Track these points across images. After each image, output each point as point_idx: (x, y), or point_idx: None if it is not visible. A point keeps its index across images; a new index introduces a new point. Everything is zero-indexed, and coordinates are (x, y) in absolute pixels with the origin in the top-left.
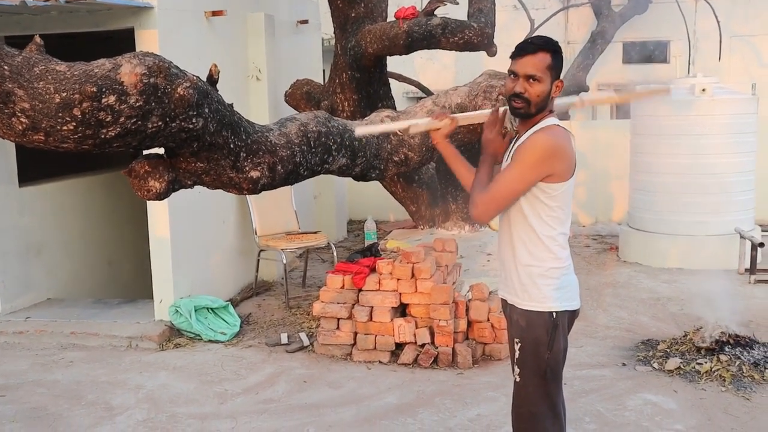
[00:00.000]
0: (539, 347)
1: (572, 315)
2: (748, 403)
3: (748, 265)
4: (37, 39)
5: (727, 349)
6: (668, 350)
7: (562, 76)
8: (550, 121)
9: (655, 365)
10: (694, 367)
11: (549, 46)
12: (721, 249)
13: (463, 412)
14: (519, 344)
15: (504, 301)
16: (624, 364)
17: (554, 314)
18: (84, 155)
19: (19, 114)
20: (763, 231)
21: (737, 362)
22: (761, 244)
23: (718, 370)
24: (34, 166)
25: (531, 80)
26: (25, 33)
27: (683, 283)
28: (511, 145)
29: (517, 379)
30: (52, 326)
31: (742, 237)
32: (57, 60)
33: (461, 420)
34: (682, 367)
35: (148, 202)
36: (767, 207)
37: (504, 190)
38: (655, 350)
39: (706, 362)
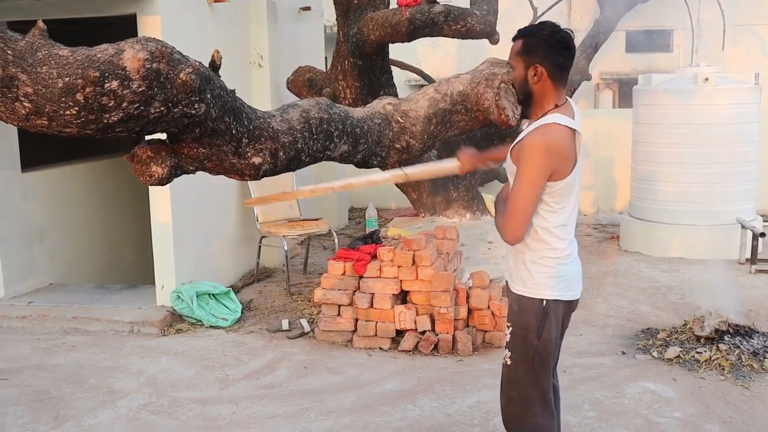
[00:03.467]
0: (528, 333)
1: (568, 305)
2: (747, 392)
3: (749, 255)
4: (41, 24)
5: (726, 339)
6: (668, 339)
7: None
8: (550, 118)
9: (655, 354)
10: (693, 356)
11: (522, 33)
12: (722, 239)
13: (462, 399)
14: (510, 328)
15: (507, 285)
16: (623, 353)
17: (545, 302)
18: (86, 140)
19: (23, 98)
20: (764, 221)
21: (736, 351)
22: (762, 234)
23: (717, 359)
24: (37, 152)
25: (511, 68)
26: (26, 18)
27: (684, 273)
28: (514, 142)
29: (508, 362)
30: (54, 311)
31: (743, 227)
32: (60, 45)
33: (461, 406)
34: (681, 355)
35: (150, 188)
36: None
37: (521, 204)
38: (654, 339)
39: (705, 351)
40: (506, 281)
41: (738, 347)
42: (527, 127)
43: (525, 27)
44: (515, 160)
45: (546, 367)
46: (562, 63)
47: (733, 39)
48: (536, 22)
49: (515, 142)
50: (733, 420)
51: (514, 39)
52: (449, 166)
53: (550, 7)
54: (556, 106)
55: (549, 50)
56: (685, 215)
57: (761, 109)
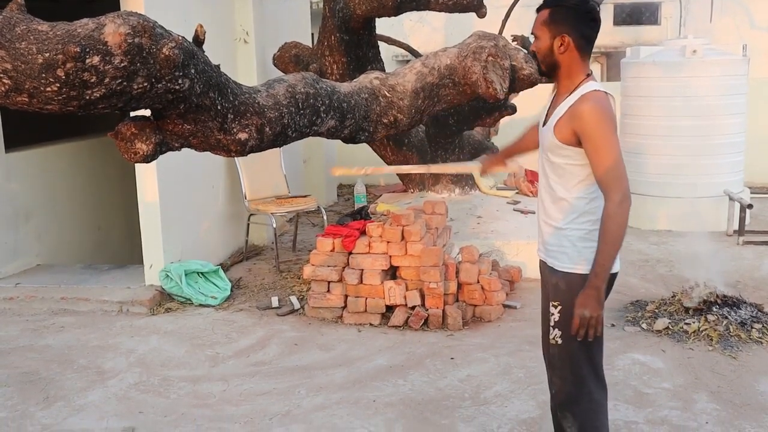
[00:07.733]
0: None
1: (612, 277)
2: (735, 362)
3: (736, 227)
4: None
5: (714, 309)
6: (657, 311)
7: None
8: (589, 86)
9: (644, 325)
10: (682, 327)
11: (550, 2)
12: (711, 211)
13: (453, 373)
14: (559, 307)
15: (542, 263)
16: (613, 325)
17: None
18: (71, 119)
19: (1, 75)
20: (752, 193)
21: (724, 322)
22: (750, 206)
23: (705, 329)
24: (21, 132)
25: (535, 38)
26: None
27: (672, 245)
28: (548, 108)
29: (558, 342)
30: (42, 292)
31: (731, 199)
32: (39, 20)
33: (451, 381)
34: (670, 327)
35: (137, 166)
36: (756, 169)
37: (613, 161)
38: (643, 311)
39: (693, 322)
40: (542, 261)
41: (726, 318)
42: (569, 97)
43: None
44: (564, 135)
45: (599, 341)
46: (588, 35)
47: (721, 10)
48: None
49: (558, 118)
50: (721, 389)
51: (540, 8)
52: (471, 166)
53: None
54: (587, 75)
55: (577, 21)
56: (673, 188)
57: (749, 81)
